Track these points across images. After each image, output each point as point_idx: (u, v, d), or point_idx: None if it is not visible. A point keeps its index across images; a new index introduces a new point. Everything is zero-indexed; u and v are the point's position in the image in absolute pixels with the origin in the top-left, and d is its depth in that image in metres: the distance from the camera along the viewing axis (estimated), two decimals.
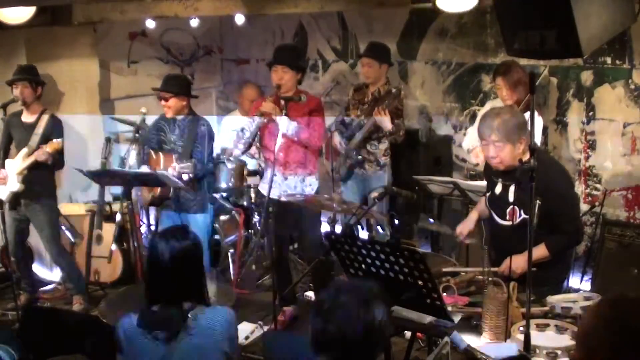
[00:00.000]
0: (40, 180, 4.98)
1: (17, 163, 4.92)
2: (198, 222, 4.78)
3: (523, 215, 3.25)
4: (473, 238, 3.79)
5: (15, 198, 4.96)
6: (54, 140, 4.82)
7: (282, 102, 4.39)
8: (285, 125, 4.39)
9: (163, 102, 4.71)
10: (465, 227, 3.72)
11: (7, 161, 5.00)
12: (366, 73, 5.18)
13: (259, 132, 4.64)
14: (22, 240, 5.22)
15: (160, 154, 4.77)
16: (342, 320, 1.99)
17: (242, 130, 4.62)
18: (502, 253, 3.31)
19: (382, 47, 5.23)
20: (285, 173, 4.65)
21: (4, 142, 5.06)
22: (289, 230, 5.03)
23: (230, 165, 4.79)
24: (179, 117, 4.76)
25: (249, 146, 4.67)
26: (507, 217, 3.36)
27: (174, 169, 4.53)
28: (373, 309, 2.01)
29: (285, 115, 4.36)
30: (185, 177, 4.49)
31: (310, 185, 4.71)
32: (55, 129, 4.97)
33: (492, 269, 3.34)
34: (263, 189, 4.82)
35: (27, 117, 5.02)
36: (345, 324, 1.98)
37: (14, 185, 4.91)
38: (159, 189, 4.73)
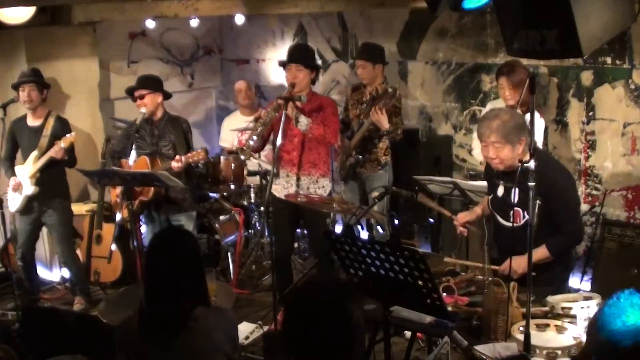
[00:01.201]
0: (53, 181, 5.01)
1: (28, 167, 4.92)
2: (190, 220, 4.82)
3: (527, 217, 3.25)
4: (470, 228, 3.80)
5: (29, 202, 4.96)
6: (67, 135, 4.84)
7: (282, 102, 4.39)
8: (300, 122, 4.38)
9: (139, 102, 4.75)
10: (465, 215, 3.74)
11: (17, 168, 5.01)
12: (361, 74, 5.20)
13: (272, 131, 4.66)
14: (33, 244, 5.23)
15: (146, 158, 4.75)
16: (316, 318, 1.98)
17: (257, 120, 4.60)
18: (505, 254, 3.31)
19: (374, 47, 5.24)
20: (298, 173, 4.65)
21: (11, 149, 5.07)
22: (294, 230, 5.03)
23: (243, 157, 4.78)
24: (155, 119, 4.81)
25: (264, 141, 4.66)
26: (511, 219, 3.36)
27: (180, 161, 4.53)
28: (347, 306, 2.00)
29: (285, 115, 4.34)
30: (199, 165, 4.55)
31: (323, 187, 4.70)
32: (63, 129, 4.98)
33: (493, 267, 3.35)
34: (276, 190, 4.79)
35: (33, 121, 5.02)
36: (319, 322, 1.97)
37: (28, 189, 4.92)
38: (151, 194, 4.75)
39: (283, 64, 4.62)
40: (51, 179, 4.98)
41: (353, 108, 5.33)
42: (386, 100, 4.85)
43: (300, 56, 4.60)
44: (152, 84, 4.81)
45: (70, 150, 4.90)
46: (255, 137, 4.51)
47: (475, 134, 5.05)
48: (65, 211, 5.15)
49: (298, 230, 5.37)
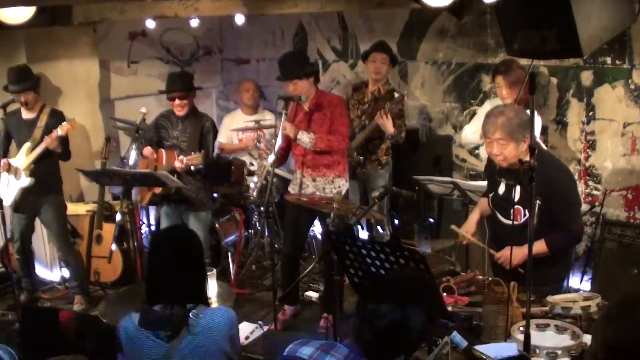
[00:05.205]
0: (47, 175, 5.00)
1: (22, 159, 4.92)
2: (200, 219, 4.80)
3: (527, 215, 3.25)
4: (475, 240, 3.79)
5: (23, 196, 4.96)
6: (63, 123, 4.82)
7: (282, 102, 4.40)
8: (301, 141, 4.45)
9: (177, 102, 4.72)
10: (468, 231, 3.70)
11: (10, 160, 5.00)
12: (378, 69, 5.13)
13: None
14: (28, 238, 5.22)
15: (163, 151, 4.77)
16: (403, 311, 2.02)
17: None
18: None
19: (390, 47, 5.25)
20: (313, 175, 4.66)
21: (3, 142, 5.06)
22: (308, 230, 5.04)
23: (266, 163, 4.80)
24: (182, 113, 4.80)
25: (286, 153, 4.78)
26: (511, 217, 3.36)
27: (182, 162, 4.54)
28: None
29: (286, 117, 4.35)
30: (193, 168, 4.54)
31: (339, 187, 4.69)
32: (58, 120, 4.98)
33: (492, 252, 3.38)
34: (292, 189, 4.84)
35: (27, 114, 5.01)
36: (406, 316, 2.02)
37: (24, 181, 4.91)
38: (161, 188, 4.75)
39: (281, 80, 4.62)
40: (45, 173, 4.96)
41: (354, 108, 5.32)
42: (392, 105, 4.85)
43: (290, 71, 4.52)
44: (189, 84, 4.81)
45: (64, 143, 4.88)
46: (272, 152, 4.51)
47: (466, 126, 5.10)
48: (60, 206, 5.14)
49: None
